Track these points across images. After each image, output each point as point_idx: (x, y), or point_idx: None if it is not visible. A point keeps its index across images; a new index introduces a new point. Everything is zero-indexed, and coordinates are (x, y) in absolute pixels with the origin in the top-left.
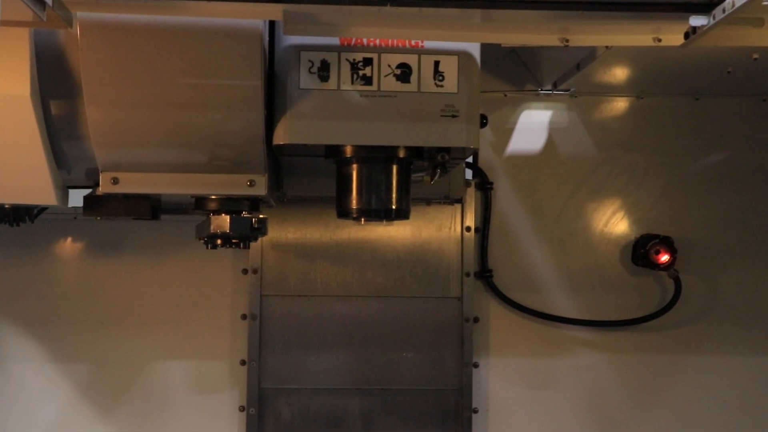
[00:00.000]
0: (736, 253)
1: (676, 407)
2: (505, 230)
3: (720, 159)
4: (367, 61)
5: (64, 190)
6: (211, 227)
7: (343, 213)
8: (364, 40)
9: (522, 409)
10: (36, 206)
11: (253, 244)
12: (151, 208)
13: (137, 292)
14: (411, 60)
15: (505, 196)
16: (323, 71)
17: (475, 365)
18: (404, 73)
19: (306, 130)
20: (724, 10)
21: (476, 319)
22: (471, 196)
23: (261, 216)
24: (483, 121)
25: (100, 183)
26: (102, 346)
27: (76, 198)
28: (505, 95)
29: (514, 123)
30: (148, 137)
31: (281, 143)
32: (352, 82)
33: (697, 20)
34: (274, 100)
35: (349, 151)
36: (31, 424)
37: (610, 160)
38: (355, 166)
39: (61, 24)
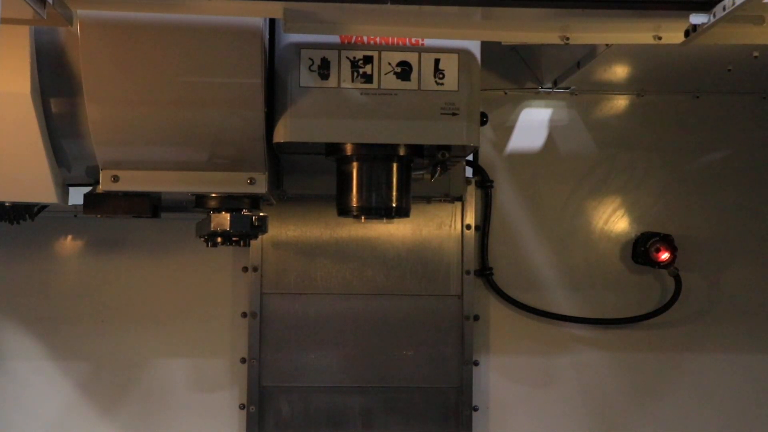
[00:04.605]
0: (737, 250)
1: (676, 405)
2: (506, 228)
3: (720, 157)
4: (368, 59)
5: (64, 188)
6: (212, 225)
7: (344, 211)
8: (365, 38)
9: (522, 407)
10: (36, 204)
11: (253, 242)
12: (151, 206)
13: (137, 290)
14: (411, 58)
15: (505, 194)
16: (323, 69)
17: (476, 363)
18: (404, 71)
19: (306, 128)
20: (724, 8)
21: (476, 317)
22: (471, 194)
23: (261, 214)
24: (483, 119)
25: (101, 181)
26: (102, 344)
27: (77, 196)
28: (506, 93)
29: (515, 121)
30: (149, 135)
31: (281, 141)
32: (353, 80)
33: (697, 18)
34: (275, 98)
35: (349, 149)
36: (32, 421)
37: (610, 158)
38: (355, 164)
39: (62, 22)
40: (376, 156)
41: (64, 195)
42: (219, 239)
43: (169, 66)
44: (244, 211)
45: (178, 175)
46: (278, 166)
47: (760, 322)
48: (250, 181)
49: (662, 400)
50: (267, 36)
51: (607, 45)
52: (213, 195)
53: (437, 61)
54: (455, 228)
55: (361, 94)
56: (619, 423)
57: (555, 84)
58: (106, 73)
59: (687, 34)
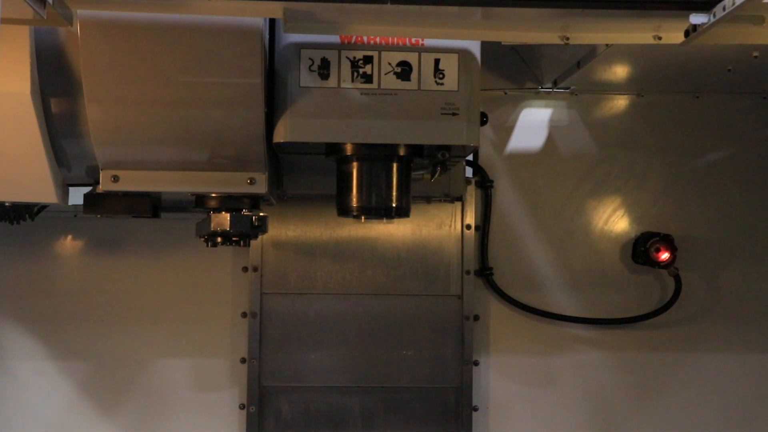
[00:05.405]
0: (737, 250)
1: (676, 405)
2: (506, 228)
3: (720, 157)
4: (368, 59)
5: (64, 188)
6: (212, 225)
7: (344, 211)
8: (365, 38)
9: (522, 407)
10: (36, 204)
11: (253, 242)
12: (151, 206)
13: (137, 290)
14: (411, 58)
15: (505, 194)
16: (323, 69)
17: (476, 363)
18: (405, 71)
19: (306, 128)
20: (724, 8)
21: (476, 317)
22: (471, 194)
23: (261, 214)
24: (483, 119)
25: (101, 181)
26: (102, 344)
27: (77, 196)
28: (506, 93)
29: (515, 121)
30: (149, 135)
31: (281, 141)
32: (353, 80)
33: (697, 18)
34: (275, 98)
35: (349, 149)
36: (32, 422)
37: (610, 158)
38: (355, 164)
39: (62, 22)
40: (376, 156)
41: (64, 195)
42: (219, 239)
43: (169, 66)
44: (244, 211)
45: (178, 175)
46: (278, 166)
47: (760, 322)
48: (250, 181)
49: (662, 400)
50: (267, 36)
51: (607, 45)
52: (213, 195)
53: (437, 61)
54: (455, 228)
55: (361, 94)
56: (619, 423)
57: (555, 84)
58: (106, 73)
59: (687, 34)
